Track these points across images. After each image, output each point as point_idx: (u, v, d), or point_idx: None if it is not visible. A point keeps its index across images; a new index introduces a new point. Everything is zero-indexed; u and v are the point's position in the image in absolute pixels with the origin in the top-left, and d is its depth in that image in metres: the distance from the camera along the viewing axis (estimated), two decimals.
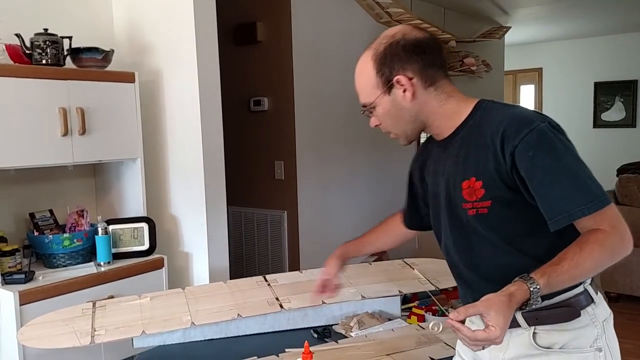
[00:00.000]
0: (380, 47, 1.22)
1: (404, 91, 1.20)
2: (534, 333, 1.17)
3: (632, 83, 7.07)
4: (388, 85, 1.20)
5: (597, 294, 1.21)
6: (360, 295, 1.96)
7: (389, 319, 1.98)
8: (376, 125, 1.29)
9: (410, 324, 1.98)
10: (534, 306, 1.04)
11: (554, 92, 7.69)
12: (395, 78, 1.20)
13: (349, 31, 4.05)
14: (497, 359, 1.23)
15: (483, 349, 1.05)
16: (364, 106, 1.27)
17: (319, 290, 1.64)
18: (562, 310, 1.15)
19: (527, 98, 8.00)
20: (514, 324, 1.16)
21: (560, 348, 1.16)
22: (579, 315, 1.16)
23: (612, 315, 1.23)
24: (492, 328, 0.98)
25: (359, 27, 4.10)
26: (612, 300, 4.14)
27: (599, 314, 1.19)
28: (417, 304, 2.15)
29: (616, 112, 7.23)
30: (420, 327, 1.93)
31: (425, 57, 1.21)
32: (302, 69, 3.64)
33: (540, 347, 1.17)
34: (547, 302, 1.14)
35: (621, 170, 4.89)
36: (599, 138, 7.25)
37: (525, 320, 1.17)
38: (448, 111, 1.23)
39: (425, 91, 1.21)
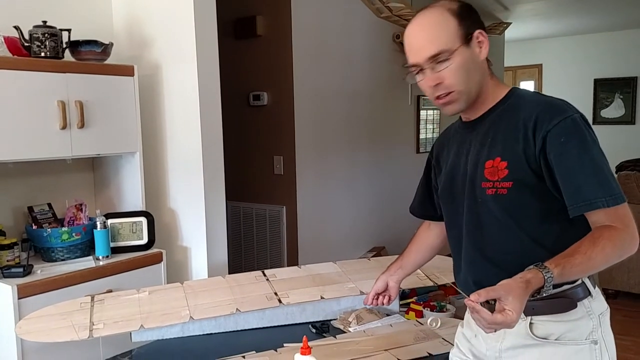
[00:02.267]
0: (453, 4, 1.21)
1: (481, 47, 1.21)
2: (531, 323, 1.20)
3: (631, 80, 7.07)
4: (468, 37, 1.19)
5: (594, 287, 1.22)
6: (359, 290, 1.97)
7: (387, 315, 1.98)
8: (435, 85, 1.20)
9: (408, 319, 1.98)
10: (544, 295, 1.06)
11: (553, 88, 7.69)
12: (477, 32, 1.20)
13: (349, 26, 4.04)
14: (494, 349, 1.25)
15: (495, 331, 1.07)
16: (436, 56, 1.17)
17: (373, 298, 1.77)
18: (558, 301, 1.17)
19: None
20: None
21: (555, 339, 1.18)
22: (575, 306, 1.18)
23: (609, 309, 1.24)
24: (509, 312, 1.00)
25: (359, 21, 4.09)
26: (610, 297, 4.15)
27: (596, 307, 1.20)
28: (416, 300, 2.15)
29: (616, 109, 7.24)
30: (419, 322, 1.93)
31: (484, 25, 1.24)
32: (302, 63, 3.63)
33: (537, 337, 1.19)
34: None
35: (620, 167, 4.90)
36: (598, 135, 7.06)
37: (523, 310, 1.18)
38: (488, 88, 1.25)
39: (485, 58, 1.23)
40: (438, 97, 1.22)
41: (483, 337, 1.28)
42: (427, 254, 1.69)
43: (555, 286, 1.13)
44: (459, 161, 1.30)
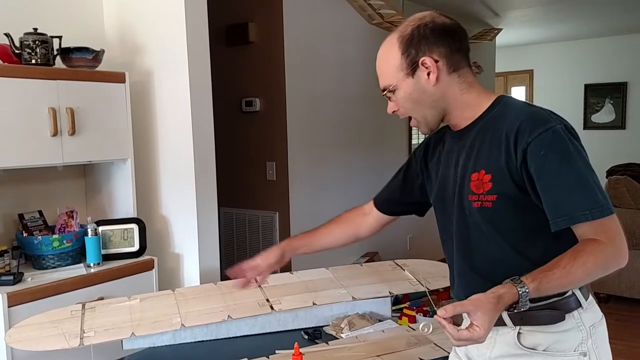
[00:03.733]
0: (407, 29, 1.21)
1: (429, 74, 1.19)
2: (519, 333, 1.19)
3: (621, 85, 7.13)
4: (412, 67, 1.19)
5: (587, 299, 1.21)
6: (351, 296, 1.97)
7: (380, 320, 1.98)
8: (394, 111, 1.27)
9: (401, 325, 1.98)
10: (522, 309, 1.04)
11: (544, 93, 7.74)
12: (421, 59, 1.19)
13: (341, 32, 4.06)
14: (484, 356, 1.25)
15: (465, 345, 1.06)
16: (384, 90, 1.24)
17: (237, 272, 1.53)
18: (547, 313, 1.16)
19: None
20: (500, 323, 1.17)
21: (543, 350, 1.17)
22: (563, 319, 1.16)
23: (603, 320, 1.23)
24: (476, 328, 0.99)
25: (351, 28, 4.11)
26: (602, 301, 4.17)
27: (586, 319, 1.19)
28: (409, 305, 2.15)
29: (606, 114, 7.29)
30: (411, 328, 1.93)
31: (452, 41, 1.20)
32: (294, 69, 3.64)
33: (524, 347, 1.18)
34: (533, 304, 1.13)
35: (611, 172, 4.92)
36: (589, 140, 7.23)
37: (511, 320, 1.18)
38: (468, 101, 1.23)
39: (449, 76, 1.21)
40: (408, 120, 1.28)
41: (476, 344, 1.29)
42: (343, 242, 1.60)
43: (543, 298, 1.13)
44: (448, 172, 1.29)
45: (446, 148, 1.32)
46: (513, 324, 1.18)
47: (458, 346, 1.06)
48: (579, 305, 1.18)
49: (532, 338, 1.18)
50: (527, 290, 1.02)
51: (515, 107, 1.19)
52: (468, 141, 1.23)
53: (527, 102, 1.22)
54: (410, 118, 1.28)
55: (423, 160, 1.42)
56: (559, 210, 1.08)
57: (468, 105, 1.23)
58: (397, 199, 1.53)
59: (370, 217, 1.59)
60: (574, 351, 1.16)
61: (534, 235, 1.16)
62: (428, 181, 1.40)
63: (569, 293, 1.18)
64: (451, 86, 1.21)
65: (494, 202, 1.15)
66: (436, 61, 1.19)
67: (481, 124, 1.21)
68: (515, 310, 1.05)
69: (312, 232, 1.62)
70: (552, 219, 1.10)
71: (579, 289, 1.20)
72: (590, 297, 1.23)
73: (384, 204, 1.56)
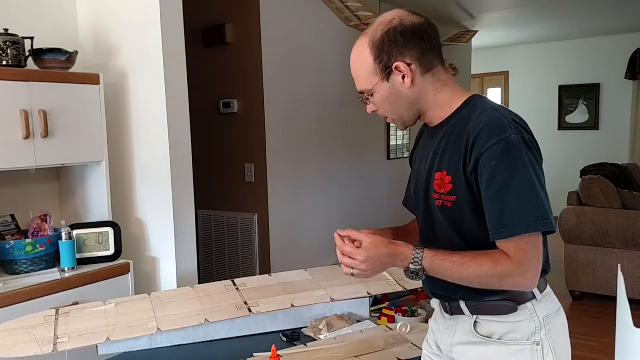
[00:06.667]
0: (377, 33, 1.21)
1: (403, 78, 1.21)
2: (475, 322, 1.24)
3: (595, 86, 7.26)
4: (386, 72, 1.20)
5: (542, 291, 1.24)
6: (330, 297, 1.97)
7: (358, 321, 1.99)
8: (373, 111, 1.29)
9: (380, 325, 1.99)
10: (413, 277, 1.16)
11: (520, 95, 7.84)
12: (394, 65, 1.20)
13: (318, 33, 4.06)
14: (446, 343, 1.32)
15: (352, 275, 1.18)
16: (361, 92, 1.26)
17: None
18: (501, 304, 1.21)
19: (493, 101, 8.13)
20: (459, 312, 1.26)
21: (498, 339, 1.22)
22: (515, 310, 1.21)
23: (560, 310, 1.27)
24: (360, 251, 1.15)
25: (328, 29, 4.12)
26: (577, 299, 4.24)
27: (540, 310, 1.22)
28: (388, 305, 2.16)
29: (580, 115, 7.42)
30: (389, 328, 1.94)
31: (423, 42, 1.20)
32: (272, 70, 3.63)
33: (480, 335, 1.23)
34: (489, 296, 1.21)
35: (584, 172, 5.01)
36: (563, 140, 7.43)
37: (469, 309, 1.24)
38: (440, 101, 1.25)
39: (423, 77, 1.22)
40: (385, 118, 1.31)
41: (441, 332, 1.34)
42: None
43: (498, 294, 1.19)
44: (420, 167, 1.32)
45: (421, 143, 1.37)
46: (470, 313, 1.24)
47: (339, 260, 1.19)
48: (533, 297, 1.22)
49: (487, 327, 1.23)
50: (419, 257, 1.14)
51: (481, 110, 1.19)
52: (437, 139, 1.26)
53: (496, 105, 1.22)
54: (385, 118, 1.31)
55: (412, 155, 1.46)
56: (500, 223, 1.11)
57: (440, 105, 1.25)
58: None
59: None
60: (527, 340, 1.21)
61: (490, 239, 1.17)
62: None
63: None
64: (425, 87, 1.23)
65: (453, 203, 1.19)
66: (409, 64, 1.20)
67: (450, 124, 1.24)
68: (409, 272, 1.16)
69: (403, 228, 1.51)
70: (491, 230, 1.13)
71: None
72: (548, 289, 1.27)
73: (408, 202, 1.51)
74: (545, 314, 1.23)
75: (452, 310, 1.28)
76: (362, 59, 1.23)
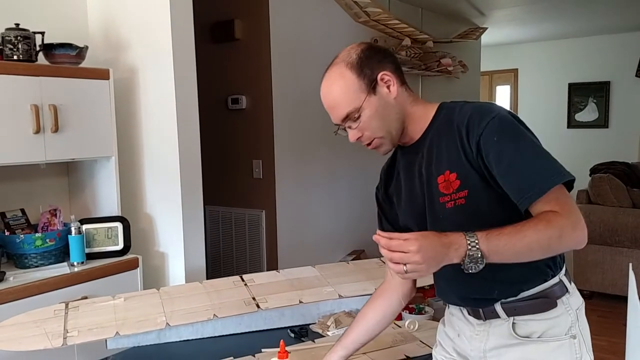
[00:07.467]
0: (351, 55, 1.24)
1: (389, 87, 1.22)
2: (513, 323, 1.22)
3: (605, 84, 7.21)
4: (372, 85, 1.21)
5: (570, 283, 1.26)
6: (338, 294, 1.96)
7: None
8: (358, 139, 1.26)
9: None
10: (471, 270, 1.04)
11: (529, 92, 7.80)
12: (379, 75, 1.21)
13: (327, 30, 4.05)
14: (478, 349, 1.27)
15: (406, 272, 1.02)
16: (347, 117, 1.23)
17: None
18: (539, 301, 1.21)
19: (502, 99, 8.09)
20: (494, 315, 1.23)
21: (538, 337, 1.21)
22: (555, 305, 1.21)
23: (584, 303, 1.28)
24: (412, 241, 1.01)
25: (337, 25, 4.11)
26: (585, 297, 4.16)
27: (573, 303, 1.24)
28: None
29: (589, 113, 7.37)
30: (397, 325, 1.94)
31: (393, 58, 1.27)
32: (281, 67, 3.63)
33: (520, 336, 1.22)
34: (524, 294, 1.20)
35: (594, 170, 4.97)
36: (573, 138, 7.39)
37: (505, 312, 1.22)
38: (417, 113, 1.27)
39: (401, 89, 1.25)
40: (367, 144, 1.28)
41: (467, 338, 1.30)
42: (383, 315, 1.46)
43: (533, 286, 1.19)
44: (413, 185, 1.29)
45: (402, 165, 1.34)
46: (507, 315, 1.22)
47: (388, 259, 1.04)
48: (566, 290, 1.23)
49: (526, 327, 1.22)
50: (475, 240, 1.03)
51: (459, 107, 1.23)
52: (424, 150, 1.26)
53: (466, 101, 1.26)
54: (369, 144, 1.28)
55: (384, 192, 1.43)
56: (526, 187, 1.11)
57: (417, 117, 1.27)
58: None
59: (394, 277, 1.43)
60: (565, 335, 1.21)
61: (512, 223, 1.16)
62: (398, 204, 1.38)
63: (556, 280, 1.22)
64: (404, 99, 1.26)
65: (466, 198, 1.18)
66: (391, 73, 1.23)
67: (432, 131, 1.25)
68: (467, 264, 1.03)
69: (352, 328, 1.47)
70: (520, 198, 1.11)
71: (564, 274, 1.24)
72: (572, 282, 1.28)
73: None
74: (577, 306, 1.24)
75: (486, 315, 1.25)
76: (342, 82, 1.22)
